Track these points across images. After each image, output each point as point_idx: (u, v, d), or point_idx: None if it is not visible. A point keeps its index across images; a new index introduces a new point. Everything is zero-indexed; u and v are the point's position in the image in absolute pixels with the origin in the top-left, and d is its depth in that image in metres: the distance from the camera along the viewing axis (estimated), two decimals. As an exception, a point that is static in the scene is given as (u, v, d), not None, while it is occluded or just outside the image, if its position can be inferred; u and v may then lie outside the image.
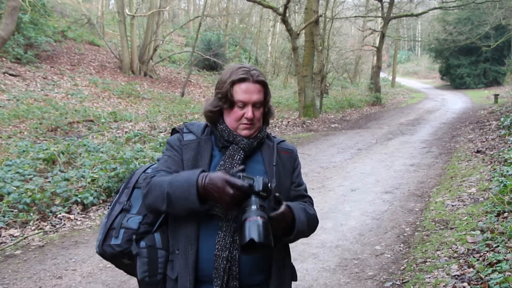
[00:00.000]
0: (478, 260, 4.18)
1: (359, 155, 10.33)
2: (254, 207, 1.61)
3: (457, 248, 4.65)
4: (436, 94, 31.28)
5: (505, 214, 5.19)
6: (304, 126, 15.29)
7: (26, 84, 14.32)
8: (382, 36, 24.55)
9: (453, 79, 36.04)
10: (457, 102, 24.80)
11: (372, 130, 14.64)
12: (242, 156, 1.87)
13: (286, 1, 16.05)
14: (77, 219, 5.90)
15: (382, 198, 6.92)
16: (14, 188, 5.85)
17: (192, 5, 41.88)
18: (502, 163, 7.71)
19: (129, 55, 20.59)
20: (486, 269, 3.87)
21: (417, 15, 28.04)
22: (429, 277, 4.09)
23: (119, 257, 1.94)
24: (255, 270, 1.83)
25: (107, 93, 16.21)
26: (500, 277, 3.57)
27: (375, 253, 4.88)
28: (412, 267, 4.41)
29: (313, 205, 2.03)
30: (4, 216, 5.42)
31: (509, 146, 8.92)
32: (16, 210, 5.59)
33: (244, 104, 1.84)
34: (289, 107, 19.24)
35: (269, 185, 1.68)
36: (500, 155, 8.38)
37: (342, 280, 4.26)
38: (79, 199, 6.17)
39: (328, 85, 24.57)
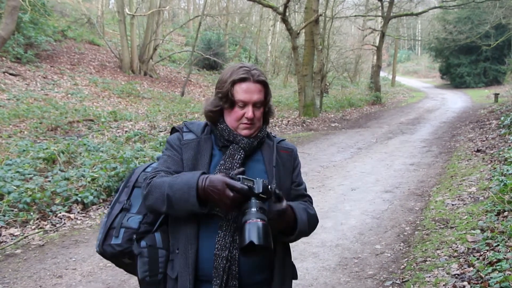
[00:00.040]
0: (478, 259, 4.18)
1: (359, 154, 10.33)
2: (254, 209, 1.61)
3: (457, 247, 4.65)
4: (436, 93, 31.29)
5: (505, 213, 5.19)
6: (304, 125, 15.29)
7: (26, 84, 14.32)
8: (382, 35, 24.54)
9: (453, 78, 36.04)
10: (457, 101, 24.80)
11: (372, 129, 14.64)
12: (242, 155, 1.86)
13: (286, 0, 16.03)
14: (77, 218, 5.90)
15: (382, 197, 6.92)
16: (15, 188, 5.85)
17: (192, 5, 41.87)
18: (502, 162, 7.71)
19: (129, 55, 20.59)
20: (486, 268, 3.87)
21: (417, 14, 28.01)
22: (429, 276, 4.09)
23: (119, 256, 1.94)
24: (255, 269, 1.83)
25: (107, 93, 16.21)
26: (500, 276, 3.57)
27: (375, 252, 4.88)
28: (412, 266, 4.41)
29: (312, 204, 2.04)
30: (4, 215, 5.42)
31: (509, 145, 8.92)
32: (16, 209, 5.59)
33: (245, 104, 1.84)
34: (289, 106, 19.24)
35: (269, 187, 1.68)
36: (500, 154, 8.38)
37: (342, 279, 4.26)
38: (79, 198, 6.17)
39: (328, 84, 24.57)
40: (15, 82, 14.03)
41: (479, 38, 26.00)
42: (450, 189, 6.98)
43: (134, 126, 11.62)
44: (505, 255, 3.97)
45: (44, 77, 15.54)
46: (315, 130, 14.58)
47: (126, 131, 10.80)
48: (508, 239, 4.35)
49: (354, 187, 7.47)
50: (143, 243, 1.87)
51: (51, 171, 6.97)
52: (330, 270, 4.45)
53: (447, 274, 4.07)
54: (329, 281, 4.23)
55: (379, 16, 27.24)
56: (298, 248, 4.90)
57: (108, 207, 2.06)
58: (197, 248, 1.79)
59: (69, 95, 14.44)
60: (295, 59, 17.65)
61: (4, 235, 5.18)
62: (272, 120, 2.09)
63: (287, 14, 17.20)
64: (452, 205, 6.16)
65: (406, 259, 4.65)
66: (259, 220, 1.59)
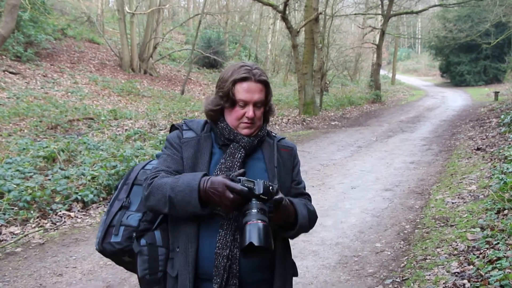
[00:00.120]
0: (478, 257, 4.18)
1: (359, 152, 10.33)
2: (254, 210, 1.62)
3: (457, 245, 4.66)
4: (436, 91, 31.27)
5: (505, 212, 5.19)
6: (304, 123, 15.29)
7: (26, 82, 14.31)
8: (382, 33, 24.52)
9: (453, 76, 36.03)
10: (457, 99, 24.80)
11: (372, 128, 14.64)
12: (243, 154, 1.86)
13: (286, -2, 16.02)
14: (77, 217, 5.91)
15: (382, 195, 6.92)
16: (15, 186, 5.86)
17: (192, 3, 41.81)
18: (502, 160, 7.71)
19: (129, 53, 20.58)
20: (486, 266, 3.87)
21: (417, 13, 27.98)
22: (429, 274, 4.10)
23: (119, 254, 1.94)
24: (255, 268, 1.83)
25: (107, 91, 16.20)
26: (500, 274, 3.57)
27: (375, 251, 4.88)
28: (412, 264, 4.41)
29: (311, 202, 2.04)
30: (4, 214, 5.43)
31: (509, 144, 8.92)
32: (16, 208, 5.60)
33: (245, 103, 1.84)
34: (289, 104, 19.24)
35: (270, 188, 1.68)
36: (500, 152, 8.38)
37: (342, 278, 4.27)
38: (79, 197, 6.18)
39: (328, 82, 24.55)
40: (15, 81, 14.03)
41: (479, 36, 25.97)
42: (450, 187, 6.99)
43: (134, 124, 11.61)
44: (505, 253, 3.98)
45: (44, 76, 15.53)
46: (315, 128, 14.57)
47: (126, 130, 10.80)
48: (508, 237, 4.35)
49: (354, 186, 7.47)
50: (143, 241, 1.87)
51: (51, 169, 6.97)
52: (330, 268, 4.46)
53: (447, 272, 4.07)
54: (329, 279, 4.23)
55: (379, 14, 27.20)
56: (298, 246, 4.90)
57: (107, 205, 2.06)
58: (197, 246, 1.79)
59: (69, 94, 14.44)
60: (295, 57, 17.64)
61: (5, 234, 5.18)
62: (272, 119, 2.09)
63: (287, 12, 17.18)
64: (452, 203, 6.16)
65: (406, 257, 4.65)
66: (259, 221, 1.59)
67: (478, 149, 9.50)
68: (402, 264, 4.49)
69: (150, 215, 1.92)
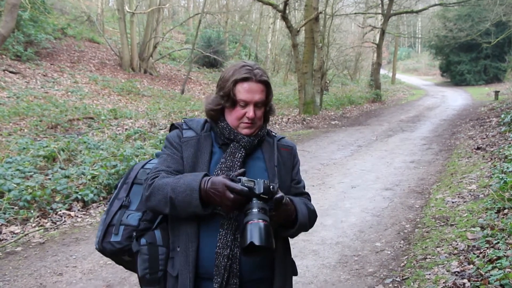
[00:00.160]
0: (478, 256, 4.18)
1: (359, 152, 10.33)
2: (255, 210, 1.62)
3: (457, 244, 4.66)
4: (436, 91, 31.27)
5: (505, 211, 5.20)
6: (304, 123, 15.29)
7: (26, 82, 14.31)
8: (382, 32, 24.52)
9: (454, 75, 36.02)
10: (457, 99, 24.79)
11: (372, 127, 14.64)
12: (243, 154, 1.86)
13: (286, -2, 16.01)
14: (77, 216, 5.91)
15: (382, 195, 6.93)
16: (15, 185, 5.86)
17: (192, 2, 41.79)
18: (503, 159, 7.71)
19: (129, 53, 20.57)
20: (486, 265, 3.87)
21: (417, 12, 27.99)
22: (429, 274, 4.10)
23: (119, 254, 1.94)
24: (255, 267, 1.83)
25: (107, 90, 16.19)
26: (500, 273, 3.57)
27: (375, 250, 4.88)
28: (412, 264, 4.42)
29: (311, 202, 2.05)
30: (4, 213, 5.43)
31: (510, 143, 8.92)
32: (16, 207, 5.60)
33: (246, 103, 1.84)
34: (289, 104, 19.24)
35: (270, 187, 1.68)
36: (500, 151, 8.38)
37: (342, 277, 4.27)
38: (79, 196, 6.18)
39: (328, 82, 24.55)
40: (15, 80, 14.02)
41: (479, 35, 25.94)
42: (450, 187, 6.99)
43: (134, 124, 11.61)
44: (505, 252, 3.98)
45: (44, 75, 15.52)
46: (315, 127, 14.57)
47: (126, 129, 10.79)
48: (508, 237, 4.36)
49: (354, 185, 7.47)
50: (143, 241, 1.87)
51: (51, 169, 6.98)
52: (330, 268, 4.46)
53: (447, 271, 4.07)
54: (329, 279, 4.23)
55: (379, 13, 27.19)
56: (298, 246, 4.90)
57: (107, 204, 2.06)
58: (197, 246, 1.79)
59: (69, 93, 14.43)
60: (295, 56, 17.64)
61: (5, 233, 5.19)
62: (272, 118, 2.09)
63: (287, 11, 17.18)
64: (452, 202, 6.16)
65: (406, 257, 4.65)
66: (260, 220, 1.60)
67: (478, 148, 9.50)
68: (402, 264, 4.49)
69: (150, 214, 1.92)
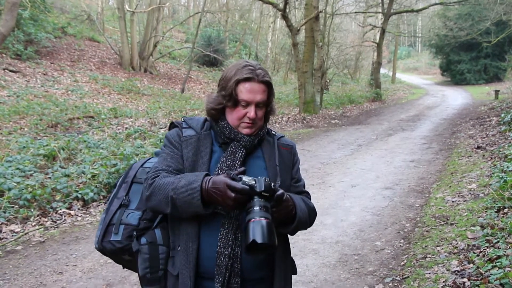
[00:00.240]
0: (478, 255, 4.18)
1: (359, 151, 10.33)
2: (257, 208, 1.63)
3: (457, 243, 4.66)
4: (436, 90, 31.25)
5: (505, 210, 5.20)
6: (304, 122, 15.29)
7: (26, 80, 14.30)
8: (383, 32, 24.50)
9: (454, 75, 35.99)
10: (457, 98, 24.78)
11: (372, 126, 14.64)
12: (243, 153, 1.86)
13: (286, -4, 16.00)
14: (77, 215, 5.91)
15: (382, 194, 6.93)
16: (15, 184, 5.86)
17: (192, 1, 41.76)
18: (503, 159, 7.71)
19: (129, 51, 20.55)
20: (486, 264, 3.87)
21: (417, 11, 27.97)
22: (429, 273, 4.10)
23: (119, 253, 1.94)
24: (256, 266, 1.83)
25: (107, 89, 16.19)
26: (500, 272, 3.58)
27: (375, 249, 4.88)
28: (412, 263, 4.42)
29: (310, 200, 2.05)
30: (5, 212, 5.43)
31: (510, 142, 8.92)
32: (16, 206, 5.60)
33: (248, 104, 1.83)
34: (289, 103, 19.23)
35: (271, 185, 1.68)
36: (500, 151, 8.38)
37: (342, 276, 4.27)
38: (79, 195, 6.18)
39: (328, 81, 24.54)
40: (15, 79, 14.02)
41: (479, 34, 25.92)
42: (450, 186, 6.99)
43: (134, 123, 11.61)
44: (505, 251, 3.98)
45: (44, 74, 15.51)
46: (315, 126, 14.58)
47: (126, 128, 10.79)
48: (508, 236, 4.36)
49: (354, 184, 7.47)
50: (143, 240, 1.87)
51: (51, 167, 6.97)
52: (330, 267, 4.46)
53: (447, 270, 4.07)
54: (329, 278, 4.23)
55: (379, 12, 27.19)
56: (298, 245, 4.90)
57: (105, 203, 2.06)
58: (198, 245, 1.79)
59: (69, 92, 14.42)
60: (295, 55, 17.63)
61: (5, 232, 5.19)
62: (272, 117, 2.09)
63: (287, 10, 17.17)
64: (452, 202, 6.16)
65: (406, 256, 4.65)
66: (262, 218, 1.60)
67: (478, 147, 9.50)
68: (402, 263, 4.49)
69: (150, 213, 1.92)
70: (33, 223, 5.50)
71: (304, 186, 2.08)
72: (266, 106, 1.91)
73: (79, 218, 5.83)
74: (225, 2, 33.45)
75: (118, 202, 1.98)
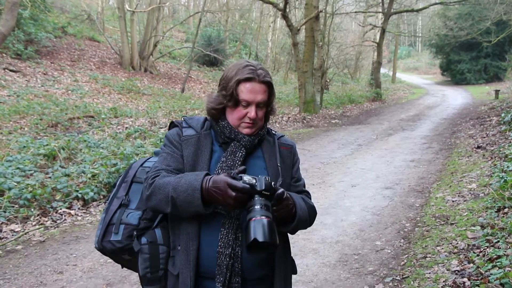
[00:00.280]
0: (478, 255, 4.18)
1: (360, 150, 10.33)
2: (258, 207, 1.63)
3: (457, 243, 4.66)
4: (436, 89, 31.25)
5: (506, 210, 5.20)
6: (305, 121, 15.29)
7: (26, 80, 14.30)
8: (383, 31, 24.49)
9: (454, 74, 35.98)
10: (457, 97, 24.77)
11: (372, 126, 14.64)
12: (244, 153, 1.86)
13: (286, -4, 16.00)
14: (77, 215, 5.91)
15: (382, 193, 6.93)
16: (15, 184, 5.86)
17: (192, 1, 41.74)
18: (503, 158, 7.71)
19: (129, 51, 20.55)
20: (486, 264, 3.87)
21: (417, 11, 27.96)
22: (429, 273, 4.10)
23: (119, 253, 1.94)
24: (257, 266, 1.83)
25: (107, 89, 16.19)
26: (500, 272, 3.58)
27: (375, 249, 4.88)
28: (412, 263, 4.42)
29: (311, 199, 2.04)
30: (5, 212, 5.43)
31: (510, 142, 8.92)
32: (17, 206, 5.60)
33: (248, 104, 1.83)
34: (289, 102, 19.23)
35: (272, 184, 1.68)
36: (500, 150, 8.38)
37: (342, 276, 4.27)
38: (79, 195, 6.18)
39: (328, 80, 24.54)
40: (15, 79, 14.01)
41: (479, 34, 25.90)
42: (450, 186, 6.99)
43: (135, 122, 11.61)
44: (505, 251, 3.98)
45: (44, 74, 15.52)
46: (315, 126, 14.57)
47: (126, 128, 10.79)
48: (508, 236, 4.36)
49: (355, 184, 7.47)
50: (143, 240, 1.87)
51: (51, 167, 6.97)
52: (330, 267, 4.46)
53: (447, 270, 4.07)
54: (329, 277, 4.23)
55: (379, 12, 27.18)
56: (299, 245, 4.90)
57: (105, 202, 2.05)
58: (198, 245, 1.79)
59: (70, 92, 14.43)
60: (296, 55, 17.63)
61: (5, 231, 5.19)
62: (272, 117, 2.09)
63: (287, 10, 17.17)
64: (453, 201, 6.16)
65: (406, 256, 4.65)
66: (263, 217, 1.60)
67: (478, 147, 9.50)
68: (402, 262, 4.49)
69: (150, 213, 1.91)
70: (33, 223, 5.50)
71: (304, 186, 2.08)
72: (267, 106, 1.91)
73: (79, 218, 5.84)
74: (225, 1, 33.44)
75: (118, 201, 1.97)
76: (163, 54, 24.57)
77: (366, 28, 31.26)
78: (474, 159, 8.54)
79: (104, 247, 1.93)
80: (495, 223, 4.83)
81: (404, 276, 4.16)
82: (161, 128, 11.14)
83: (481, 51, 32.70)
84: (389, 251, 4.82)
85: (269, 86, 1.87)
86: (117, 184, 2.04)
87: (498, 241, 4.30)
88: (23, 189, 5.79)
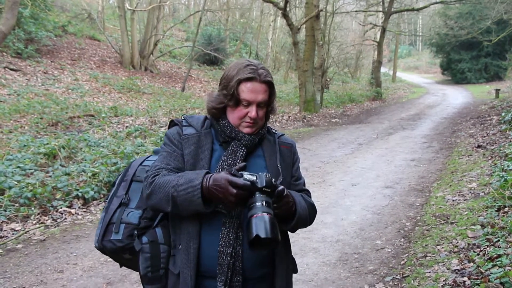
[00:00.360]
0: (478, 254, 4.18)
1: (360, 150, 10.33)
2: (259, 203, 1.63)
3: (457, 242, 4.66)
4: (437, 89, 31.23)
5: (506, 209, 5.20)
6: (305, 121, 15.28)
7: (26, 79, 14.30)
8: (383, 30, 24.49)
9: (454, 74, 35.94)
10: (458, 97, 24.76)
11: (372, 125, 14.64)
12: (244, 152, 1.86)
13: (287, -5, 15.99)
14: (78, 214, 5.92)
15: (382, 193, 6.93)
16: (15, 183, 5.86)
17: (193, 0, 41.75)
18: (503, 158, 7.71)
19: (129, 50, 20.55)
20: (486, 263, 3.87)
21: (418, 10, 27.97)
22: (429, 272, 4.10)
23: (119, 252, 1.94)
24: (258, 265, 1.83)
25: (107, 88, 16.19)
26: (500, 271, 3.58)
27: (375, 248, 4.89)
28: (412, 262, 4.42)
29: (311, 198, 2.04)
30: (5, 210, 5.43)
31: (510, 141, 8.91)
32: (17, 205, 5.60)
33: (249, 103, 1.83)
34: (289, 102, 19.23)
35: (272, 180, 1.68)
36: (501, 150, 8.38)
37: (343, 275, 4.27)
38: (80, 194, 6.18)
39: (328, 80, 24.53)
40: (15, 77, 14.01)
41: (480, 33, 25.86)
42: (450, 185, 6.99)
43: (135, 121, 11.61)
44: (505, 250, 3.98)
45: (44, 72, 15.51)
46: (315, 125, 14.57)
47: (126, 127, 10.80)
48: (509, 235, 4.36)
49: (355, 183, 7.47)
50: (144, 239, 1.87)
51: (52, 166, 6.97)
52: (330, 266, 4.46)
53: (447, 269, 4.07)
54: (330, 276, 4.23)
55: (380, 11, 27.16)
56: (299, 244, 4.91)
57: (105, 201, 2.05)
58: (199, 244, 1.79)
59: (70, 90, 14.43)
60: (296, 54, 17.62)
61: (5, 230, 5.19)
62: (272, 116, 2.09)
63: (287, 9, 17.16)
64: (453, 200, 6.16)
65: (406, 255, 4.65)
66: (265, 214, 1.60)
67: (478, 146, 9.50)
68: (403, 261, 4.50)
69: (150, 212, 1.91)
70: (34, 222, 5.50)
71: (304, 184, 2.07)
72: (267, 106, 1.91)
73: (79, 217, 5.84)
74: (226, 0, 33.40)
75: (117, 200, 1.97)
76: (164, 53, 24.56)
77: (367, 27, 31.25)
78: (475, 158, 8.54)
79: (104, 247, 1.92)
80: (495, 222, 4.84)
81: (404, 275, 4.16)
82: (162, 127, 11.14)
83: (481, 50, 32.66)
84: (389, 250, 4.82)
85: (270, 85, 1.87)
86: (117, 182, 2.04)
87: (498, 240, 4.30)
88: (23, 188, 5.79)
